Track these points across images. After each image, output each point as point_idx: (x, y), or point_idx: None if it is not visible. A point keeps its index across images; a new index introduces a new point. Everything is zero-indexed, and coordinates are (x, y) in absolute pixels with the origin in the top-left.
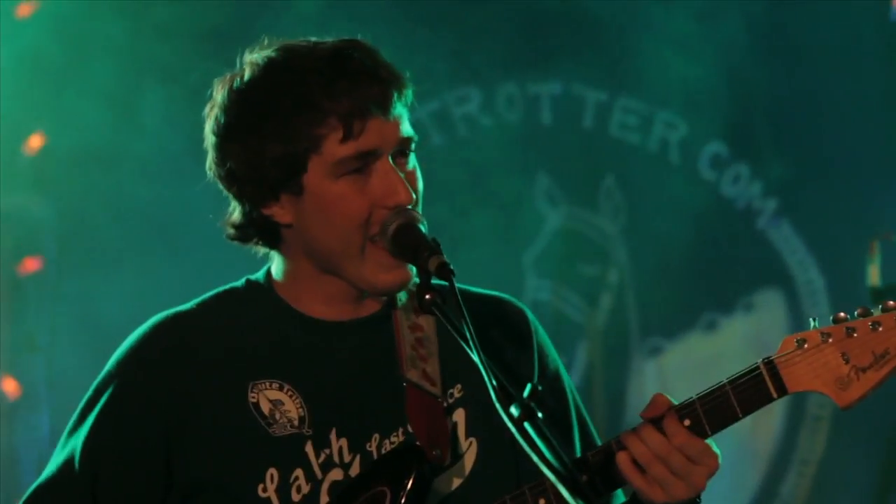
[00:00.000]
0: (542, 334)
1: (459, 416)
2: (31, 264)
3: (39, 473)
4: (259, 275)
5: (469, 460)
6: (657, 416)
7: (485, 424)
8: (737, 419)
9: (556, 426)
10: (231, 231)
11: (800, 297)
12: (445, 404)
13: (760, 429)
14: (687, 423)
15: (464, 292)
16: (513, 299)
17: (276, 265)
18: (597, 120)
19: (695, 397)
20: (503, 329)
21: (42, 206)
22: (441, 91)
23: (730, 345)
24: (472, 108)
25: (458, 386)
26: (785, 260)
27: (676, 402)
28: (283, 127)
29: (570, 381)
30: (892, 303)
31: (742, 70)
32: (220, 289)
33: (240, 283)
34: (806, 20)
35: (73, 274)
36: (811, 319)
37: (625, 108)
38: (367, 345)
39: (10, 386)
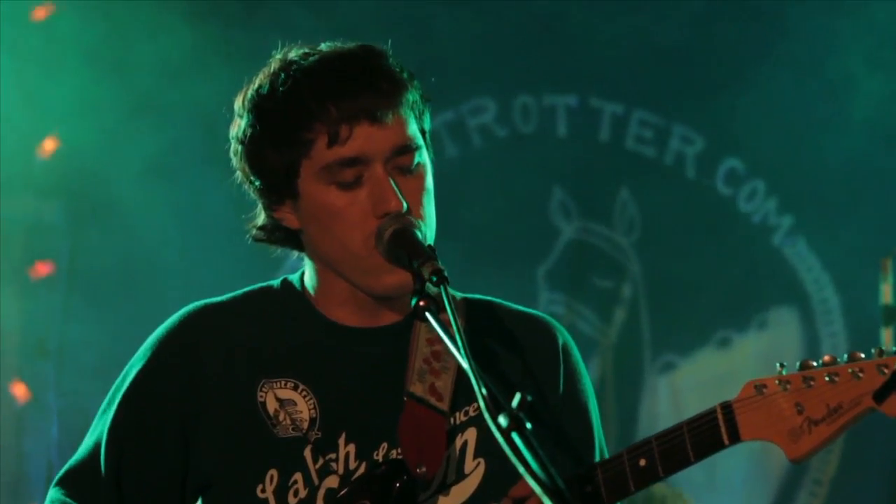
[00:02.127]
0: (574, 359)
1: (470, 435)
2: (43, 268)
3: (47, 479)
4: (295, 275)
5: (473, 481)
6: (524, 496)
7: (495, 446)
8: (689, 463)
9: (574, 455)
10: (255, 233)
11: (814, 316)
12: (453, 422)
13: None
14: (643, 462)
15: (500, 307)
16: (550, 320)
17: (307, 268)
18: (613, 132)
19: (653, 436)
20: (531, 348)
21: (55, 211)
22: (456, 101)
23: (743, 362)
24: (488, 119)
25: (475, 405)
26: (800, 277)
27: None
28: (278, 131)
29: (597, 416)
30: (858, 353)
31: (759, 87)
32: (257, 285)
33: (276, 281)
34: (821, 36)
35: (85, 279)
36: (778, 364)
37: (641, 122)
38: (383, 354)
39: (20, 390)
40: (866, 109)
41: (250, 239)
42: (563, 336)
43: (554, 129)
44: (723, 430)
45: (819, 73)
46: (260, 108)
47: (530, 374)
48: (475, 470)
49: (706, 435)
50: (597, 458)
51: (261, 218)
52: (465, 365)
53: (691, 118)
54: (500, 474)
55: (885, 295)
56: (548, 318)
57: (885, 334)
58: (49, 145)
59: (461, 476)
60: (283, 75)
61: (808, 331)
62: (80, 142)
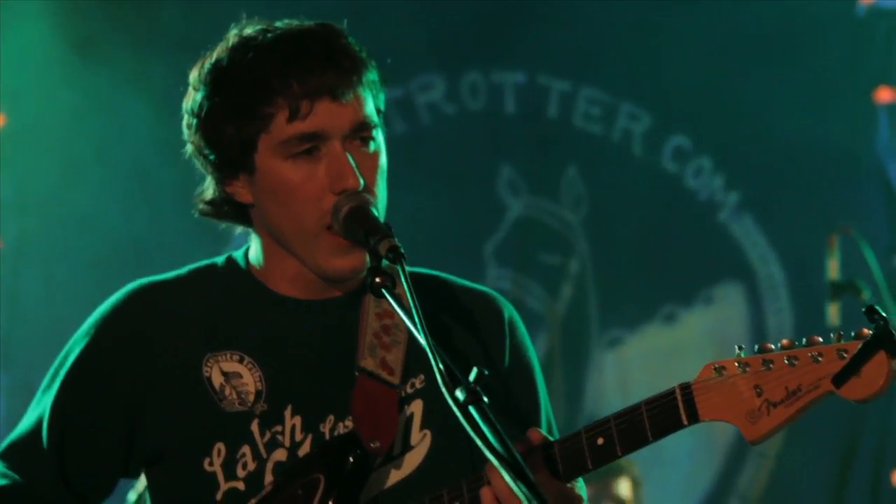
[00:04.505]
0: (520, 334)
1: (416, 407)
2: None
3: None
4: (239, 252)
5: (420, 453)
6: (525, 452)
7: (441, 418)
8: (647, 442)
9: (522, 427)
10: (202, 207)
11: (760, 291)
12: (402, 394)
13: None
14: (600, 441)
15: (445, 283)
16: (496, 295)
17: (253, 243)
18: (560, 110)
19: (612, 415)
20: (477, 322)
21: (2, 188)
22: (405, 78)
23: (689, 338)
24: (436, 96)
25: (421, 377)
26: (746, 253)
27: (555, 437)
28: (236, 105)
29: (544, 388)
30: (816, 337)
31: (706, 63)
32: (202, 262)
33: (221, 258)
34: (771, 14)
35: (33, 255)
36: (736, 347)
37: (589, 99)
38: (331, 326)
39: None
40: (813, 87)
41: (197, 213)
42: (509, 310)
43: (502, 107)
44: (682, 410)
45: (765, 51)
46: (218, 81)
47: (476, 348)
48: (421, 441)
49: (665, 415)
50: (544, 431)
51: (209, 192)
52: (421, 340)
53: (638, 96)
54: (445, 445)
55: (832, 271)
56: (493, 292)
57: (832, 310)
58: None
59: (408, 447)
60: (242, 50)
61: (753, 307)
62: (27, 118)
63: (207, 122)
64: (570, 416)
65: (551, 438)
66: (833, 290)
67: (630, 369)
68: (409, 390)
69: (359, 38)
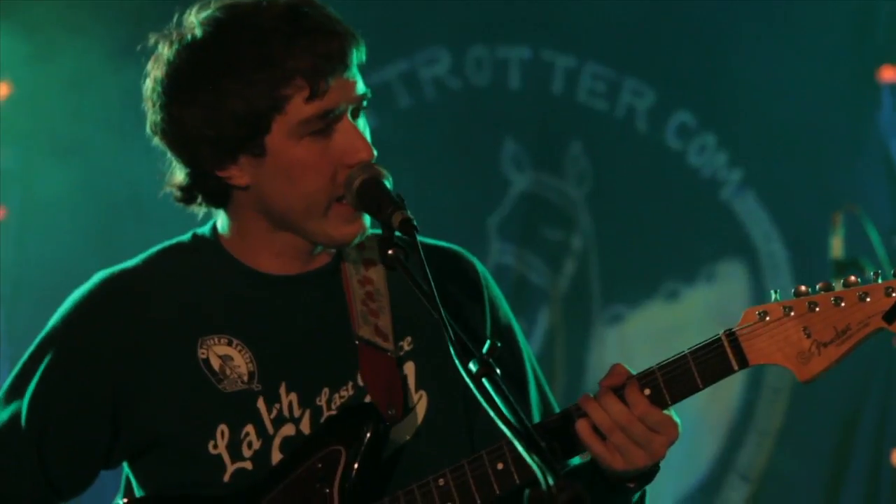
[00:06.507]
0: (493, 287)
1: (409, 368)
2: None
3: None
4: (205, 229)
5: (420, 413)
6: (618, 385)
7: (435, 377)
8: (697, 390)
9: (511, 379)
10: (178, 193)
11: (762, 269)
12: (396, 358)
13: (718, 399)
14: (647, 392)
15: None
16: (463, 251)
17: (222, 221)
18: (565, 85)
19: (655, 367)
20: (455, 280)
21: (7, 156)
22: (410, 52)
23: (691, 315)
24: (441, 71)
25: (409, 338)
26: (748, 231)
27: (635, 373)
28: (246, 85)
29: (522, 335)
30: (853, 278)
31: (710, 40)
32: (167, 243)
33: (186, 237)
34: None
35: (37, 225)
36: (773, 292)
37: (593, 75)
38: (315, 299)
39: None
40: (817, 65)
41: (174, 200)
42: (480, 265)
43: (507, 82)
44: (731, 356)
45: (770, 29)
46: (212, 59)
47: (460, 306)
48: (419, 402)
49: (714, 362)
50: (530, 379)
51: (180, 177)
52: (436, 313)
53: (642, 72)
54: (441, 403)
55: (835, 249)
56: (463, 250)
57: None
58: (2, 90)
59: (408, 409)
60: (235, 26)
61: (755, 284)
62: (33, 87)
63: (205, 104)
64: (572, 392)
65: (533, 387)
66: (836, 268)
67: (632, 346)
68: (400, 353)
69: (366, 12)
